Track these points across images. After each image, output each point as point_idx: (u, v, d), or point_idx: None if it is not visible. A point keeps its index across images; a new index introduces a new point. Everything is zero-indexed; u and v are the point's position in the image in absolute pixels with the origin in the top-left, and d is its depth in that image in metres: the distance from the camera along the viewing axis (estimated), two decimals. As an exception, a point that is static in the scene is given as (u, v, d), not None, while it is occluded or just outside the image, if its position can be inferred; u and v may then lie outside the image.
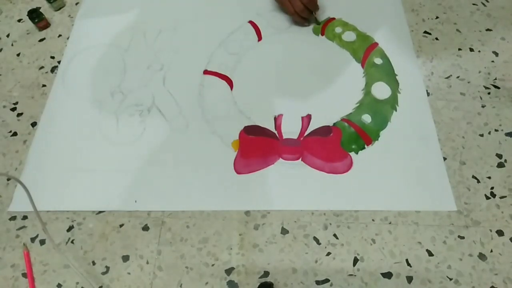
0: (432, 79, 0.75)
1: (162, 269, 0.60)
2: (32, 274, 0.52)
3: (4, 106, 0.79)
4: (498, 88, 0.73)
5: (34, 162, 0.71)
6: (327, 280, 0.58)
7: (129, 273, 0.60)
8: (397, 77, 0.75)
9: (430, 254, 0.59)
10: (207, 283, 0.59)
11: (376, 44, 0.80)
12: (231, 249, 0.61)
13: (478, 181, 0.64)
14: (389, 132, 0.69)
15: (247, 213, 0.64)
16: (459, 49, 0.79)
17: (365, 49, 0.79)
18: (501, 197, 0.63)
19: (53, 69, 0.83)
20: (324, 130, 0.70)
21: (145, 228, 0.64)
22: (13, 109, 0.78)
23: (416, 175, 0.65)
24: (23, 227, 0.65)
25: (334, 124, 0.71)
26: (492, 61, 0.77)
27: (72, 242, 0.63)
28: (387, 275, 0.58)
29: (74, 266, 0.57)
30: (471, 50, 0.79)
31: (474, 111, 0.71)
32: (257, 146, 0.69)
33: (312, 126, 0.71)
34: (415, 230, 0.61)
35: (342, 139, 0.69)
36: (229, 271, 0.59)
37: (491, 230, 0.60)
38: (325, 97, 0.74)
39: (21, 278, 0.61)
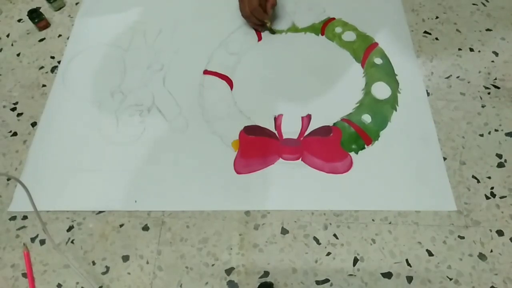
0: (432, 79, 0.75)
1: (162, 269, 0.60)
2: (32, 274, 0.52)
3: (4, 106, 0.79)
4: (498, 88, 0.73)
5: (34, 162, 0.71)
6: (327, 280, 0.58)
7: (129, 273, 0.60)
8: (397, 77, 0.75)
9: (430, 254, 0.59)
10: (207, 283, 0.59)
11: (376, 44, 0.80)
12: (231, 249, 0.61)
13: (478, 181, 0.64)
14: (389, 132, 0.69)
15: (247, 213, 0.64)
16: (459, 49, 0.79)
17: (365, 49, 0.79)
18: (501, 197, 0.63)
19: (53, 69, 0.83)
20: (324, 130, 0.70)
21: (145, 228, 0.64)
22: (13, 109, 0.78)
23: (416, 175, 0.65)
24: (23, 227, 0.65)
25: (334, 124, 0.71)
26: (492, 61, 0.77)
27: (72, 242, 0.63)
28: (387, 275, 0.58)
29: (74, 266, 0.57)
30: (471, 50, 0.79)
31: (474, 111, 0.71)
32: (257, 146, 0.69)
33: (312, 126, 0.71)
34: (415, 230, 0.61)
35: (342, 139, 0.69)
36: (229, 271, 0.59)
37: (491, 230, 0.60)
38: (325, 97, 0.74)
39: (21, 278, 0.61)
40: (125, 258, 0.61)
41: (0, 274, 0.61)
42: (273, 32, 0.83)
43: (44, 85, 0.81)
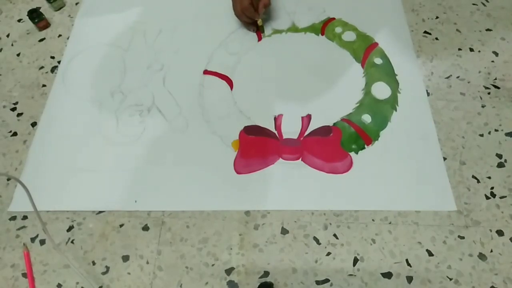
0: (432, 79, 0.75)
1: (162, 269, 0.60)
2: (32, 274, 0.52)
3: (4, 106, 0.79)
4: (498, 88, 0.73)
5: (34, 162, 0.71)
6: (327, 280, 0.58)
7: (129, 273, 0.60)
8: (397, 77, 0.75)
9: (430, 254, 0.59)
10: (207, 283, 0.59)
11: (376, 44, 0.80)
12: (231, 249, 0.61)
13: (478, 181, 0.64)
14: (389, 132, 0.69)
15: (247, 213, 0.64)
16: (459, 49, 0.79)
17: (365, 49, 0.79)
18: (501, 197, 0.63)
19: (53, 69, 0.83)
20: (324, 130, 0.70)
21: (145, 228, 0.64)
22: (13, 109, 0.78)
23: (416, 175, 0.65)
24: (23, 227, 0.65)
25: (334, 124, 0.71)
26: (492, 61, 0.77)
27: (72, 242, 0.63)
28: (387, 275, 0.58)
29: (74, 266, 0.57)
30: (471, 50, 0.79)
31: (474, 111, 0.71)
32: (257, 146, 0.69)
33: (312, 126, 0.71)
34: (415, 230, 0.61)
35: (342, 139, 0.69)
36: (229, 271, 0.59)
37: (491, 230, 0.60)
38: (325, 97, 0.74)
39: (21, 278, 0.61)
40: (125, 258, 0.61)
41: (0, 274, 0.61)
42: (263, 31, 0.83)
43: (44, 85, 0.81)
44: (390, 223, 0.61)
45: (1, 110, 0.78)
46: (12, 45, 0.88)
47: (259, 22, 0.81)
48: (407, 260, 0.59)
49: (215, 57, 0.81)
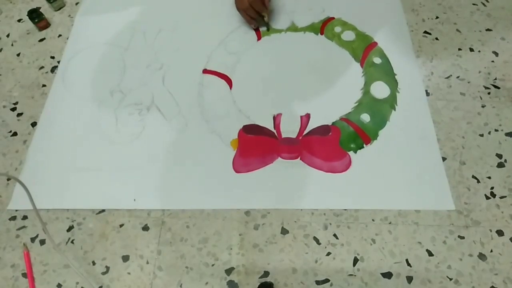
0: (432, 79, 0.75)
1: (162, 269, 0.60)
2: (32, 274, 0.52)
3: (4, 106, 0.79)
4: (498, 88, 0.73)
5: (34, 162, 0.71)
6: (327, 280, 0.58)
7: (129, 273, 0.60)
8: (396, 76, 0.75)
9: (430, 254, 0.59)
10: (207, 283, 0.59)
11: (376, 43, 0.80)
12: (231, 249, 0.61)
13: (478, 181, 0.64)
14: (388, 132, 0.69)
15: (247, 213, 0.64)
16: (459, 49, 0.79)
17: (364, 49, 0.79)
18: (501, 197, 0.63)
19: (53, 69, 0.83)
20: (323, 129, 0.70)
21: (145, 228, 0.64)
22: (13, 109, 0.78)
23: (414, 174, 0.65)
24: (23, 227, 0.65)
25: (333, 123, 0.71)
26: (492, 61, 0.77)
27: (72, 242, 0.63)
28: (387, 275, 0.58)
29: (74, 266, 0.57)
30: (471, 50, 0.78)
31: (474, 111, 0.71)
32: (256, 145, 0.69)
33: (311, 125, 0.71)
34: (415, 230, 0.61)
35: (341, 138, 0.69)
36: (229, 271, 0.59)
37: (491, 230, 0.60)
38: (324, 97, 0.74)
39: (21, 278, 0.61)
40: (125, 258, 0.61)
41: (0, 274, 0.61)
42: (268, 28, 0.83)
43: (44, 85, 0.81)
44: (390, 223, 0.61)
45: (1, 110, 0.78)
46: (12, 45, 0.88)
47: (266, 18, 0.81)
48: (407, 260, 0.59)
49: (215, 56, 0.81)
